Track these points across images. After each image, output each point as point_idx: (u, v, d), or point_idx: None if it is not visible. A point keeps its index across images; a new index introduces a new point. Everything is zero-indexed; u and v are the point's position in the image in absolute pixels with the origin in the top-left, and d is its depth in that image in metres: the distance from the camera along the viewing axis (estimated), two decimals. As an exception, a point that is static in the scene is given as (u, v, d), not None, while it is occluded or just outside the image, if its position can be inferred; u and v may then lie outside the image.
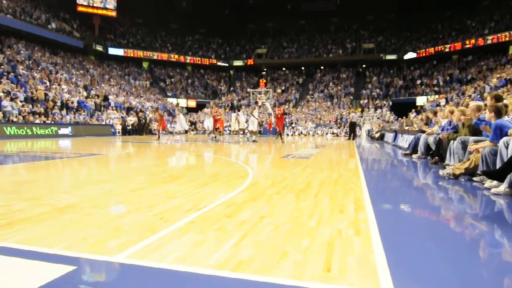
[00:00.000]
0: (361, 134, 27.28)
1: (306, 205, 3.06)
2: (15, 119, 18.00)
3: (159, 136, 16.76)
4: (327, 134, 28.50)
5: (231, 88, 43.30)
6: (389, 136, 17.26)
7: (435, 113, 8.60)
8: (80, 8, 36.59)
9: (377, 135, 21.20)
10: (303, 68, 43.42)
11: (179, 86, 41.87)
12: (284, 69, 44.00)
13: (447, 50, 34.29)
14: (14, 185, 4.16)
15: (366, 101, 34.47)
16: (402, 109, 27.85)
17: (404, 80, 36.27)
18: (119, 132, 23.86)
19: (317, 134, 28.85)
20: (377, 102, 33.51)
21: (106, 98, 27.90)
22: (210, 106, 26.84)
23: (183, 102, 40.45)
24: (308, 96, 37.88)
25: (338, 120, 30.50)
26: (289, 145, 14.14)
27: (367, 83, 37.97)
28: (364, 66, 41.06)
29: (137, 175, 5.10)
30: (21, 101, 19.70)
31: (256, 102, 15.41)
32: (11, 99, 19.11)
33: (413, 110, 20.86)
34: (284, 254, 1.86)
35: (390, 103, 33.12)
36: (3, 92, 19.17)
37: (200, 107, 39.94)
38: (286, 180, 4.48)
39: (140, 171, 5.61)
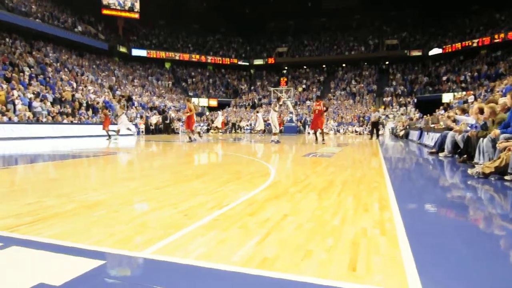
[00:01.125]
0: (385, 132, 26.76)
1: (329, 203, 3.03)
2: (44, 119, 18.70)
3: (109, 136, 15.35)
4: (352, 132, 28.11)
5: (252, 87, 43.39)
6: (414, 134, 16.86)
7: (463, 110, 8.33)
8: (104, 11, 37.55)
9: (401, 133, 20.75)
10: (324, 66, 43.00)
11: (201, 86, 42.33)
12: (305, 67, 43.70)
13: (474, 45, 33.08)
14: (45, 183, 4.33)
15: (389, 98, 33.79)
16: (427, 106, 27.12)
17: (429, 76, 35.30)
18: (142, 131, 24.37)
19: (339, 132, 28.51)
20: (401, 99, 32.78)
21: (130, 98, 28.54)
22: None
23: (204, 102, 40.88)
24: (330, 94, 37.47)
25: (361, 118, 30.03)
26: (310, 144, 14.04)
27: (390, 80, 37.20)
28: (387, 63, 40.24)
29: (161, 173, 5.19)
30: (50, 102, 20.43)
31: (279, 98, 15.70)
32: (41, 100, 19.85)
33: (440, 107, 20.21)
34: (308, 253, 1.85)
35: (415, 100, 32.33)
36: (33, 93, 19.95)
37: (221, 106, 40.22)
38: (308, 178, 4.45)
39: (164, 169, 5.71)
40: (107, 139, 15.00)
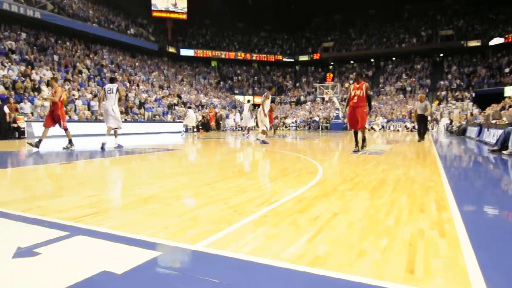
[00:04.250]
0: (439, 128, 25.29)
1: (381, 202, 2.92)
2: (101, 118, 19.93)
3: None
4: (403, 129, 26.92)
5: (297, 84, 43.02)
6: (472, 131, 15.76)
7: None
8: (155, 14, 39.16)
9: (457, 129, 19.52)
10: (372, 60, 41.46)
11: (246, 84, 42.74)
12: (352, 62, 42.46)
13: (542, 33, 30.10)
14: (103, 177, 4.61)
15: (444, 93, 31.82)
16: (487, 100, 25.11)
17: (489, 68, 32.70)
18: (190, 129, 25.13)
19: (389, 129, 27.40)
20: (457, 93, 30.73)
21: (178, 97, 29.56)
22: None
23: (249, 99, 41.21)
24: (378, 89, 36.09)
25: (412, 114, 28.59)
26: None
27: (445, 74, 34.98)
28: (441, 55, 37.87)
29: (209, 169, 5.31)
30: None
31: (270, 88, 12.46)
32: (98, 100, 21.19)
33: (500, 104, 18.57)
34: (362, 253, 1.79)
35: (473, 94, 30.13)
36: (91, 93, 21.35)
37: (266, 103, 40.26)
38: (358, 176, 4.32)
39: (212, 165, 5.84)
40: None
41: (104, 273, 1.50)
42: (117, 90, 8.92)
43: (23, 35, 23.48)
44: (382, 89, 35.86)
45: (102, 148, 8.31)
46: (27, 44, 22.79)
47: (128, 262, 1.62)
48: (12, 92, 16.54)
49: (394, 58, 40.19)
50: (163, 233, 2.08)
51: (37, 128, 15.30)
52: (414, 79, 35.27)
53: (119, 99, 9.10)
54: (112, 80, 9.40)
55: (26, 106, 16.20)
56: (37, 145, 8.33)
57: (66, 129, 8.78)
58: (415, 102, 12.20)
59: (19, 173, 5.08)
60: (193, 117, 19.21)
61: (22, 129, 14.62)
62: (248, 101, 16.53)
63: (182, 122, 20.40)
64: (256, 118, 12.81)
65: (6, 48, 20.47)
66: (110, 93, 8.81)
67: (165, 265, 1.64)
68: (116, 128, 8.98)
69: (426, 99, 12.79)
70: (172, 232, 2.12)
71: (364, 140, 8.07)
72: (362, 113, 7.68)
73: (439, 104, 30.02)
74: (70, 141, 8.86)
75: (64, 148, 8.66)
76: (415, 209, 2.73)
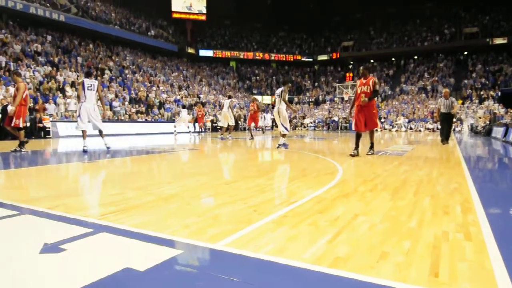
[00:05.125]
0: (463, 128, 24.59)
1: (403, 204, 2.86)
2: (122, 118, 20.37)
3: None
4: (425, 129, 26.32)
5: (316, 83, 42.70)
6: (498, 131, 15.24)
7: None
8: (174, 15, 39.70)
9: (482, 129, 18.94)
10: (393, 59, 40.69)
11: (264, 83, 42.74)
12: (372, 61, 41.80)
13: None
14: (125, 176, 4.70)
15: (468, 92, 30.90)
16: (514, 100, 24.28)
17: (517, 66, 31.55)
18: (209, 128, 25.34)
19: (410, 129, 26.84)
20: (482, 93, 29.78)
21: (197, 97, 29.86)
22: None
23: (268, 99, 41.23)
24: (399, 89, 35.40)
25: (435, 114, 27.89)
26: (377, 141, 13.42)
27: (469, 72, 33.96)
28: (465, 53, 36.78)
29: (228, 168, 5.34)
30: (127, 102, 22.20)
31: (285, 82, 9.31)
32: (120, 100, 21.66)
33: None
34: (384, 255, 1.76)
35: (499, 93, 29.13)
36: (114, 94, 21.85)
37: (284, 103, 40.18)
38: (378, 177, 4.25)
39: (231, 165, 5.87)
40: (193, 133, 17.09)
41: (127, 269, 1.53)
42: (97, 87, 7.95)
43: (49, 37, 24.24)
44: (403, 89, 35.13)
45: (85, 151, 7.66)
46: (52, 47, 23.52)
47: (150, 259, 1.64)
48: (38, 93, 17.10)
49: (415, 57, 39.32)
50: (184, 232, 2.10)
51: (62, 128, 15.78)
52: (436, 78, 34.40)
53: (99, 99, 8.15)
54: (89, 75, 8.39)
55: (51, 107, 16.72)
56: (20, 147, 7.62)
57: (18, 129, 7.65)
58: (437, 99, 9.51)
59: (44, 171, 5.25)
60: (185, 118, 18.11)
61: (48, 129, 15.10)
62: (229, 97, 14.79)
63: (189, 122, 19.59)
64: (264, 118, 12.29)
65: (32, 50, 21.17)
66: (91, 89, 7.76)
67: (186, 263, 1.66)
68: (100, 130, 8.19)
69: (450, 95, 10.85)
70: (192, 231, 2.14)
71: (372, 145, 7.10)
72: (370, 113, 6.69)
73: (463, 103, 29.18)
74: (21, 143, 7.70)
75: (12, 150, 7.59)
76: (439, 211, 2.66)
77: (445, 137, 10.71)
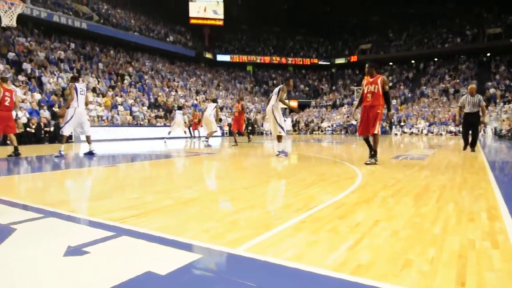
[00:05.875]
0: (486, 132, 23.88)
1: (426, 210, 2.79)
2: (142, 122, 20.72)
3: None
4: (447, 133, 25.69)
5: (333, 87, 42.40)
6: (523, 135, 14.73)
7: None
8: (192, 21, 40.26)
9: (507, 133, 18.36)
10: (413, 61, 39.99)
11: (281, 88, 42.72)
12: (391, 63, 41.20)
13: None
14: (144, 180, 4.76)
15: (492, 93, 30.01)
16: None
17: (543, 68, 30.47)
18: (226, 133, 25.47)
19: (431, 133, 26.25)
20: (506, 95, 28.88)
21: (215, 101, 30.10)
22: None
23: (216, 98, 41.20)
24: (420, 92, 34.71)
25: (457, 118, 27.20)
26: (397, 145, 13.21)
27: (493, 74, 33.00)
28: (488, 54, 35.78)
29: (246, 173, 5.34)
30: (146, 107, 22.59)
31: (287, 80, 7.75)
32: (139, 105, 22.07)
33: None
34: (407, 263, 1.71)
35: (524, 96, 28.17)
36: (133, 99, 22.28)
37: (301, 107, 40.06)
38: (399, 182, 4.16)
39: (248, 169, 5.87)
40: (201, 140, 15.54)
41: (148, 273, 1.55)
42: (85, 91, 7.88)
43: (72, 45, 24.98)
44: (424, 92, 34.43)
45: (61, 155, 7.61)
46: (75, 54, 24.21)
47: (171, 263, 1.65)
48: (61, 99, 17.60)
49: (436, 59, 38.51)
50: (203, 236, 2.11)
51: (83, 133, 16.17)
52: (458, 81, 33.57)
53: (86, 103, 8.05)
54: (76, 79, 8.13)
55: (74, 112, 17.15)
56: (16, 154, 7.61)
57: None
58: (459, 98, 7.34)
59: (67, 175, 5.38)
60: (180, 121, 16.13)
61: (70, 134, 15.50)
62: (214, 100, 13.18)
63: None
64: (262, 121, 9.20)
65: (56, 57, 21.85)
66: (82, 94, 7.67)
67: (206, 268, 1.66)
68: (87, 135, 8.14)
69: (475, 91, 8.95)
70: (212, 235, 2.14)
71: (375, 152, 6.09)
72: (375, 114, 5.99)
73: (486, 106, 28.32)
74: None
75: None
76: (463, 218, 2.58)
77: (470, 143, 8.90)
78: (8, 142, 12.83)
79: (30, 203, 3.05)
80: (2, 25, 13.27)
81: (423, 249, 1.90)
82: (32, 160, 7.53)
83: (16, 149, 7.67)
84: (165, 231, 2.19)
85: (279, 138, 7.68)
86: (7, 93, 7.42)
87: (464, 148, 9.09)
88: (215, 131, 12.55)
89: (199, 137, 17.77)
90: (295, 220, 2.49)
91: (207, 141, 12.09)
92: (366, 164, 5.93)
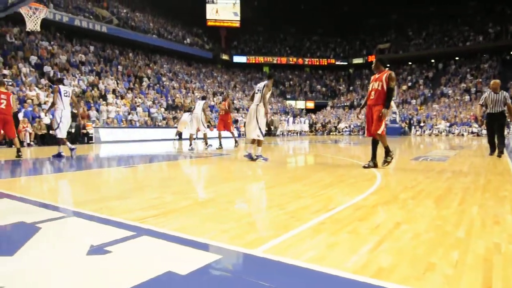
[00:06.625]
0: (510, 133, 23.11)
1: (449, 213, 2.72)
2: (160, 124, 21.00)
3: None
4: (469, 133, 25.04)
5: (351, 87, 41.95)
6: (550, 135, 14.20)
7: None
8: (209, 23, 40.64)
9: (532, 134, 17.74)
10: (433, 60, 39.15)
11: (298, 88, 42.57)
12: (410, 63, 40.45)
13: None
14: (163, 181, 4.83)
15: (516, 93, 29.06)
16: None
17: None
18: (243, 134, 25.53)
19: (452, 134, 25.62)
20: (531, 94, 27.90)
21: (204, 98, 30.28)
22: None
23: (301, 104, 41.02)
24: (440, 92, 33.94)
25: (479, 118, 26.47)
26: (417, 146, 12.95)
27: (517, 72, 31.96)
28: (512, 52, 34.70)
29: (262, 174, 5.33)
30: (164, 108, 22.89)
31: (270, 77, 7.42)
32: (157, 107, 22.38)
33: None
34: (430, 266, 1.68)
35: (551, 94, 27.17)
36: (151, 101, 22.62)
37: (318, 108, 39.88)
38: (420, 184, 4.08)
39: (265, 170, 5.86)
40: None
41: (169, 273, 1.56)
42: (71, 93, 7.90)
43: (92, 48, 25.57)
44: (444, 92, 33.65)
45: (61, 156, 7.69)
46: (95, 56, 24.77)
47: (191, 263, 1.66)
48: (82, 101, 18.04)
49: (457, 58, 37.59)
50: (222, 237, 2.12)
51: (103, 134, 16.52)
52: (480, 80, 32.66)
53: (74, 105, 8.08)
54: (61, 81, 8.11)
55: (93, 114, 17.58)
56: (19, 155, 7.65)
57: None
58: (482, 96, 6.44)
59: (88, 175, 5.50)
60: (185, 121, 12.97)
61: (91, 135, 15.87)
62: (204, 97, 11.66)
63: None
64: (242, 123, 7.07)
65: (77, 60, 22.41)
66: (67, 96, 7.70)
67: (226, 269, 1.67)
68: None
69: (499, 87, 7.87)
70: (231, 236, 2.15)
71: (386, 153, 5.63)
72: (378, 113, 5.46)
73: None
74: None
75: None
76: (488, 221, 2.50)
77: (498, 147, 7.76)
78: (31, 142, 13.26)
79: (53, 202, 3.13)
80: (27, 29, 13.71)
81: (446, 253, 1.86)
82: (53, 160, 7.74)
83: (18, 150, 7.77)
84: (184, 231, 2.21)
85: (259, 142, 6.93)
86: (3, 96, 7.44)
87: (491, 154, 7.98)
88: (205, 133, 11.16)
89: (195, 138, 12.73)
90: (314, 221, 2.47)
91: (191, 147, 10.77)
92: (364, 167, 5.61)
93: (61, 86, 7.69)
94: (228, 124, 11.39)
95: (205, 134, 11.11)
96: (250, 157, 6.93)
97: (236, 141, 11.71)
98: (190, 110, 12.44)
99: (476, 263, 1.72)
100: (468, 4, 39.11)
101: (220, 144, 11.22)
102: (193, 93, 28.15)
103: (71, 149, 7.85)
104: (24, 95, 15.20)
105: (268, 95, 7.07)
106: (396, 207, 2.93)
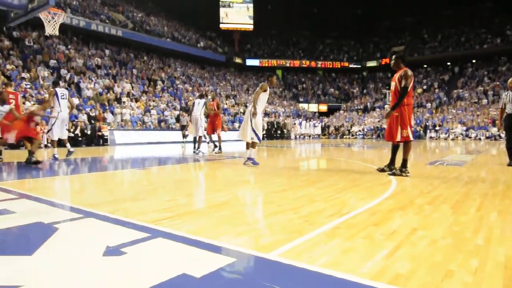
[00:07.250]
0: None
1: (467, 219, 2.66)
2: (173, 126, 21.18)
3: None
4: (486, 138, 24.51)
5: (364, 90, 41.58)
6: None
7: None
8: (222, 27, 40.92)
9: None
10: (448, 63, 38.49)
11: (311, 91, 42.42)
12: (425, 66, 39.86)
13: None
14: (177, 183, 4.86)
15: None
16: None
17: None
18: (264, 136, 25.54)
19: (468, 138, 25.11)
20: (552, 98, 27.13)
21: (245, 106, 30.34)
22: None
23: (314, 107, 40.84)
24: (456, 95, 33.34)
25: (496, 122, 25.88)
26: (432, 150, 12.74)
27: (536, 76, 31.17)
28: (531, 55, 33.84)
29: (275, 177, 5.32)
30: (177, 111, 23.09)
31: (270, 77, 7.09)
32: (171, 110, 22.59)
33: None
34: (448, 273, 1.64)
35: None
36: (165, 104, 22.85)
37: (331, 111, 39.65)
38: (436, 189, 4.00)
39: (278, 173, 5.84)
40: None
41: (184, 276, 1.57)
42: (68, 96, 7.89)
43: (107, 51, 26.00)
44: (460, 95, 33.03)
45: (55, 158, 7.66)
46: (111, 60, 25.18)
47: (205, 266, 1.67)
48: (98, 104, 18.35)
49: (474, 61, 36.88)
50: (236, 240, 2.12)
51: (118, 136, 16.75)
52: (498, 83, 31.95)
53: (71, 107, 8.07)
54: (57, 84, 8.14)
55: (109, 116, 17.85)
56: (35, 162, 6.67)
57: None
58: (501, 97, 5.79)
59: (104, 177, 5.58)
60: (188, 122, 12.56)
61: (106, 137, 16.12)
62: (202, 96, 10.94)
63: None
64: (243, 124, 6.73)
65: (93, 64, 22.82)
66: (64, 98, 7.70)
67: (240, 272, 1.66)
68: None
69: None
70: (245, 239, 2.14)
71: (403, 163, 5.24)
72: (394, 117, 5.11)
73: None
74: None
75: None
76: (508, 227, 2.44)
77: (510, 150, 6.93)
78: (48, 144, 13.50)
79: (69, 203, 3.19)
80: (46, 33, 14.05)
81: (465, 260, 1.81)
82: (70, 162, 7.87)
83: (29, 152, 6.98)
84: (198, 234, 2.22)
85: (253, 144, 6.71)
86: (11, 96, 7.47)
87: (510, 163, 6.75)
88: (201, 136, 10.11)
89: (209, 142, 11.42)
90: (328, 226, 2.45)
91: (198, 150, 9.86)
92: (378, 170, 5.59)
93: (57, 89, 7.77)
94: (217, 125, 10.49)
95: (200, 138, 10.06)
96: (248, 160, 6.72)
97: (216, 146, 10.45)
98: (188, 110, 10.94)
99: (496, 271, 1.68)
100: (485, 6, 38.38)
101: (220, 148, 10.43)
102: (206, 96, 28.34)
103: (69, 152, 8.04)
104: (42, 98, 15.54)
105: (260, 95, 6.87)
106: (412, 212, 2.88)
